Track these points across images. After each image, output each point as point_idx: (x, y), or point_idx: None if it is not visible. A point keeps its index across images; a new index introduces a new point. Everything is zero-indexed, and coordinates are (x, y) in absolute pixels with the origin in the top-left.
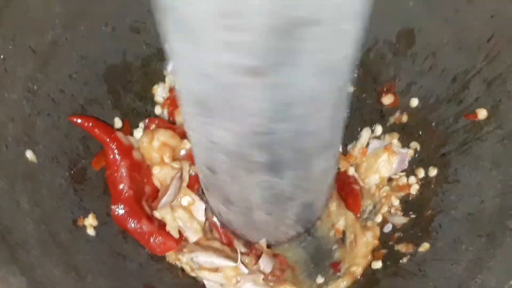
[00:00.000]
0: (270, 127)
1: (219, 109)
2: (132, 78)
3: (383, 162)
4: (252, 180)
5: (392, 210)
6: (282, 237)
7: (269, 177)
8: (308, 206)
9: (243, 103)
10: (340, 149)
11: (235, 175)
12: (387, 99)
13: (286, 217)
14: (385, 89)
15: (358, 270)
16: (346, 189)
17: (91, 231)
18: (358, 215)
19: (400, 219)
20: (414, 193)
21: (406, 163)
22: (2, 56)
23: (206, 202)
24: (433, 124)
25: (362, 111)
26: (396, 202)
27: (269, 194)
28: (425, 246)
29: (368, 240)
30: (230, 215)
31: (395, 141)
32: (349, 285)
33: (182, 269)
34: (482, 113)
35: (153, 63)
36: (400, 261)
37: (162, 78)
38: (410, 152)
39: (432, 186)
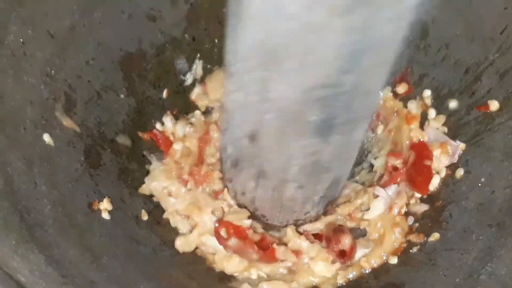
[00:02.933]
0: (339, 79)
1: (291, 57)
2: (147, 66)
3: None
4: (296, 146)
5: (412, 201)
6: (302, 218)
7: (317, 140)
8: (336, 181)
9: (320, 48)
10: None
11: (280, 139)
12: (401, 88)
13: (315, 193)
14: (398, 79)
15: (371, 264)
16: (417, 164)
17: (105, 215)
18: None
19: (422, 207)
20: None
21: (456, 157)
22: (22, 39)
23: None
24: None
25: None
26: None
27: (308, 163)
28: (435, 236)
29: (396, 237)
30: (258, 192)
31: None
32: (358, 274)
33: None
34: (494, 105)
35: (167, 51)
36: (411, 250)
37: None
38: (462, 145)
39: (443, 176)
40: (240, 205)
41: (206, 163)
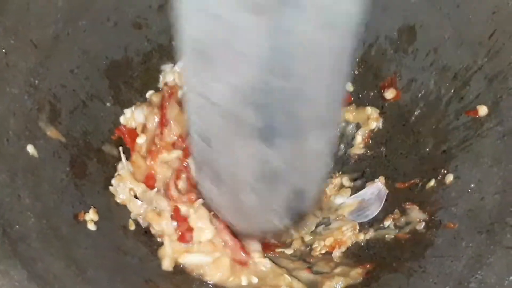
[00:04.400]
0: (269, 83)
1: (220, 56)
2: (134, 73)
3: None
4: (245, 151)
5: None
6: (270, 229)
7: (263, 146)
8: (298, 194)
9: (245, 48)
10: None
11: (229, 144)
12: (389, 94)
13: (275, 203)
14: (386, 84)
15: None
16: None
17: (91, 226)
18: None
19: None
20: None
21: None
22: (4, 50)
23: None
24: (433, 120)
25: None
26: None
27: (260, 170)
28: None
29: None
30: (220, 198)
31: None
32: (347, 283)
33: None
34: (483, 110)
35: (154, 59)
36: (400, 257)
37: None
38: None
39: (433, 183)
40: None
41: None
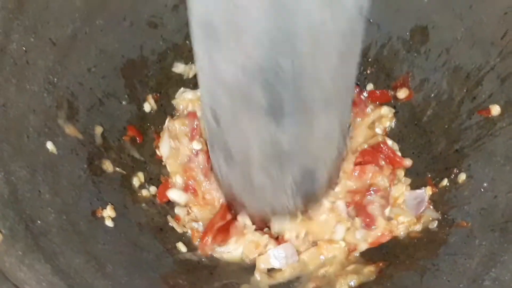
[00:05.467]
0: (276, 62)
1: (227, 36)
2: (149, 72)
3: None
4: (254, 130)
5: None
6: (280, 210)
7: (271, 125)
8: (308, 174)
9: (250, 27)
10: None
11: (238, 123)
12: (402, 93)
13: (286, 184)
14: (399, 84)
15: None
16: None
17: (109, 222)
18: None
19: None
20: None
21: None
22: (24, 48)
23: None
24: (446, 120)
25: None
26: None
27: (270, 149)
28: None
29: None
30: (231, 176)
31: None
32: (361, 281)
33: None
34: (495, 109)
35: (169, 58)
36: (413, 256)
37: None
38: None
39: (445, 182)
40: (225, 195)
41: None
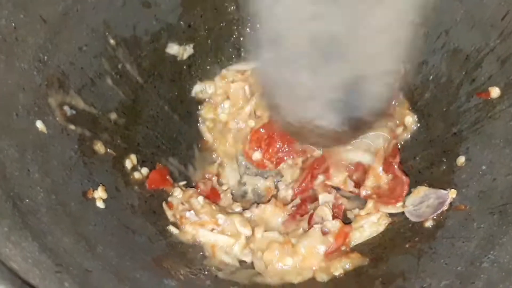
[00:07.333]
0: None
1: None
2: (142, 53)
3: None
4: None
5: None
6: (325, 125)
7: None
8: (358, 87)
9: None
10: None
11: None
12: None
13: (332, 88)
14: None
15: None
16: None
17: (100, 204)
18: None
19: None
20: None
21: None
22: (14, 24)
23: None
24: (444, 103)
25: None
26: None
27: (316, 32)
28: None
29: None
30: (274, 74)
31: None
32: (356, 264)
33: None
34: (495, 92)
35: (162, 38)
36: (410, 239)
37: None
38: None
39: (444, 166)
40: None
41: None
